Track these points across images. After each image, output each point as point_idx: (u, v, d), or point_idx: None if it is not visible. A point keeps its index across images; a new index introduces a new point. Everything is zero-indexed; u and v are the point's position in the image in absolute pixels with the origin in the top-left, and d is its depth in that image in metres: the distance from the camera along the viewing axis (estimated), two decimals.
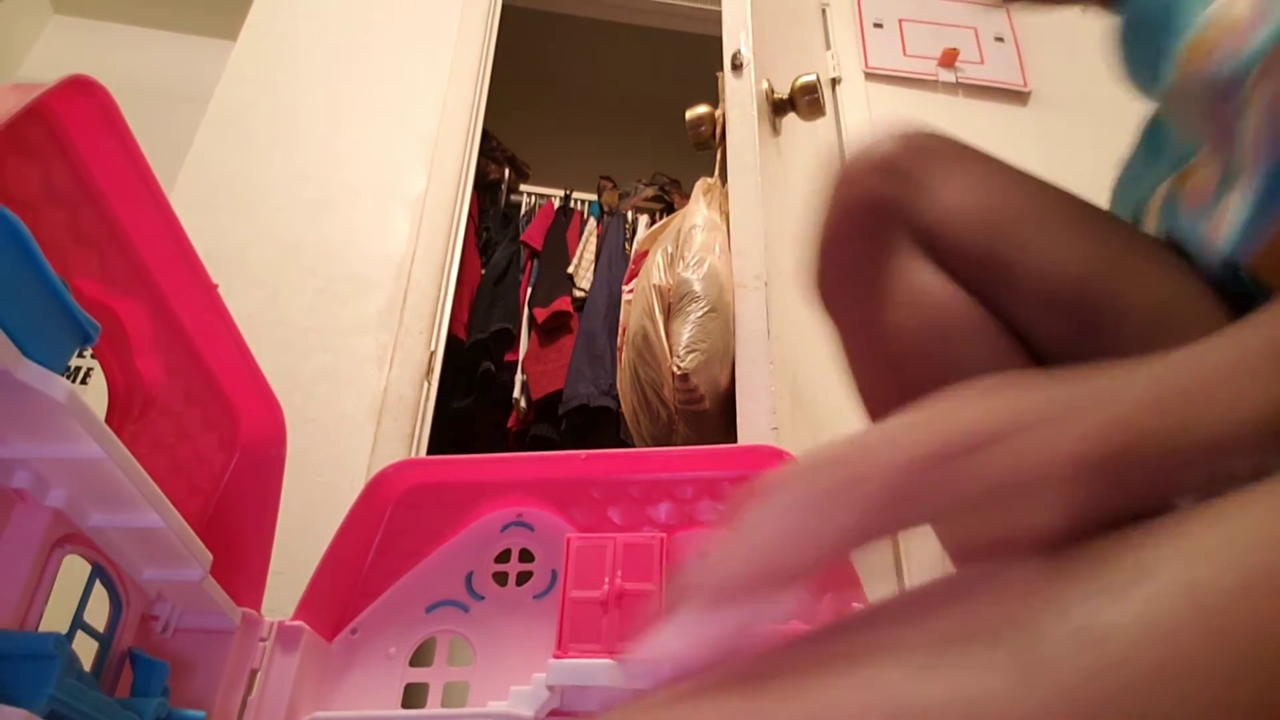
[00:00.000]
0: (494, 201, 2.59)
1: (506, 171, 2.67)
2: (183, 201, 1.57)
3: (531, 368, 2.17)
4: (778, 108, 1.44)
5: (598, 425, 2.02)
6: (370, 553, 0.68)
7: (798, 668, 0.21)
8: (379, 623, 0.66)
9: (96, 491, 0.45)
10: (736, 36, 1.38)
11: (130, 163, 0.48)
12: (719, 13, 1.43)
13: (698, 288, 1.49)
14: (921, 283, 0.52)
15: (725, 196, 1.60)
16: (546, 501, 0.70)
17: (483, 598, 0.67)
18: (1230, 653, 0.15)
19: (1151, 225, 0.54)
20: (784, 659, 0.22)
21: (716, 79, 1.58)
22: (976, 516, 0.24)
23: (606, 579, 0.61)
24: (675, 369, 1.46)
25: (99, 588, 0.49)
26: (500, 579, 0.68)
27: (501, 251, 2.39)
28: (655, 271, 1.62)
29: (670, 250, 1.64)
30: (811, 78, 1.41)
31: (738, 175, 1.29)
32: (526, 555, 0.69)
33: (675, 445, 1.50)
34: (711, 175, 1.76)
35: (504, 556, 0.69)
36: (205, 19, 2.74)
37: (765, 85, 1.39)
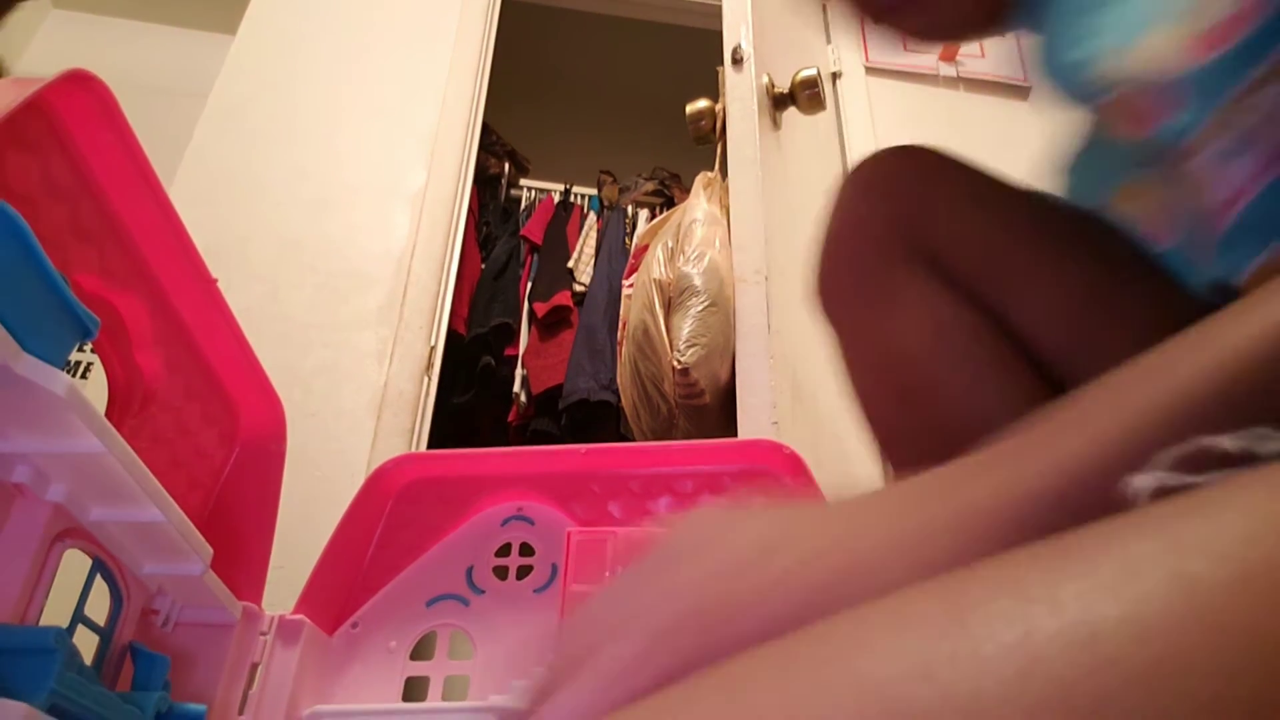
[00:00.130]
0: (494, 196, 2.59)
1: (506, 166, 2.66)
2: (182, 196, 1.56)
3: (531, 362, 2.17)
4: (778, 102, 1.44)
5: (598, 420, 2.02)
6: (370, 547, 0.69)
7: (769, 667, 0.21)
8: (379, 617, 0.66)
9: (97, 486, 0.45)
10: (737, 31, 1.37)
11: (130, 157, 0.48)
12: (719, 7, 1.43)
13: (698, 282, 1.49)
14: (926, 295, 0.53)
15: (725, 191, 1.60)
16: (547, 496, 0.70)
17: (483, 592, 0.67)
18: (1230, 649, 0.15)
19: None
20: (755, 661, 0.22)
21: (717, 73, 1.58)
22: None
23: (607, 573, 0.61)
24: (675, 363, 1.46)
25: (99, 582, 0.49)
26: (501, 573, 0.68)
27: (501, 246, 2.39)
28: (655, 266, 1.62)
29: (670, 245, 1.64)
30: (812, 72, 1.41)
31: (738, 169, 1.29)
32: (527, 549, 0.69)
33: (675, 439, 1.50)
34: (712, 170, 1.75)
35: (504, 550, 0.69)
36: (204, 13, 2.74)
37: (766, 79, 1.39)
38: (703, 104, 1.59)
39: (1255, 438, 0.20)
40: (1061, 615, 0.17)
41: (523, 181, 2.70)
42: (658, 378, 1.53)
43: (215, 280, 0.55)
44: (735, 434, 1.20)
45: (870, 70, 2.03)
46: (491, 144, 2.59)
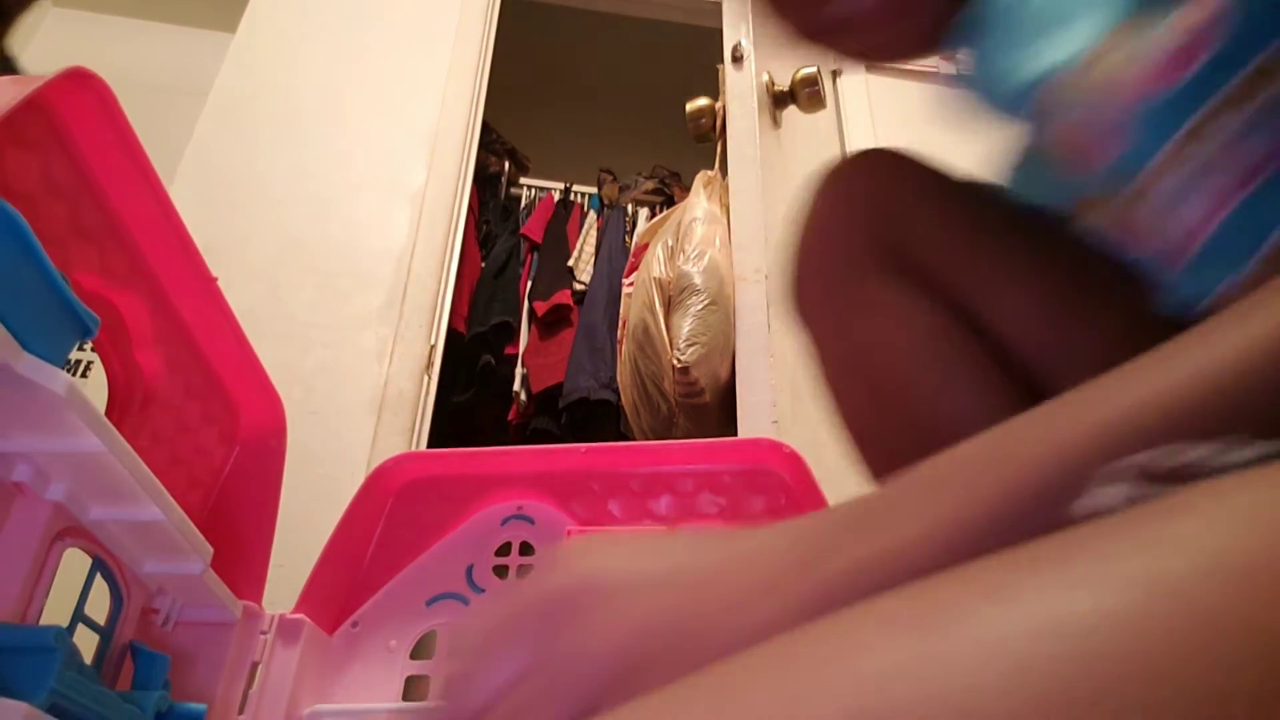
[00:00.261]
0: (494, 195, 2.59)
1: (506, 164, 2.66)
2: (182, 195, 1.56)
3: (531, 361, 2.17)
4: (778, 100, 1.44)
5: (598, 418, 2.02)
6: (371, 546, 0.69)
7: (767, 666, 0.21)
8: (380, 616, 0.66)
9: (97, 485, 0.45)
10: (737, 29, 1.37)
11: (129, 156, 0.48)
12: (719, 5, 1.43)
13: (698, 280, 1.49)
14: (898, 300, 0.53)
15: (726, 189, 1.60)
16: (547, 494, 0.70)
17: (483, 590, 0.67)
18: (1227, 641, 0.15)
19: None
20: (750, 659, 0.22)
21: (717, 71, 1.58)
22: None
23: None
24: (675, 362, 1.46)
25: (99, 581, 0.49)
26: (501, 572, 0.68)
27: (501, 245, 2.39)
28: (655, 264, 1.62)
29: (671, 243, 1.64)
30: (812, 70, 1.41)
31: (738, 168, 1.28)
32: (527, 548, 0.69)
33: (675, 438, 1.50)
34: (712, 168, 1.75)
35: (504, 549, 0.69)
36: (204, 11, 2.73)
37: (766, 78, 1.39)
38: (703, 102, 1.59)
39: (1220, 449, 0.20)
40: (1035, 615, 0.17)
41: (523, 180, 2.70)
42: (658, 376, 1.53)
43: (215, 279, 0.55)
44: (735, 433, 1.20)
45: (871, 68, 2.02)
46: (491, 142, 2.59)
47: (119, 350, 0.50)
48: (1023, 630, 0.17)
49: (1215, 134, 0.36)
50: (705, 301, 1.47)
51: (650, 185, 2.71)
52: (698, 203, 1.63)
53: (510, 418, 2.18)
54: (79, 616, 0.46)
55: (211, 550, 0.52)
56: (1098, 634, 0.16)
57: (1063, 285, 0.50)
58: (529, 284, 2.33)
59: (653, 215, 2.50)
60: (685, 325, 1.47)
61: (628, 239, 2.42)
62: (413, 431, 1.45)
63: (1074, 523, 0.20)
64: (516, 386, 2.17)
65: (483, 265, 2.33)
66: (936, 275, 0.52)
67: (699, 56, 2.07)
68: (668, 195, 2.69)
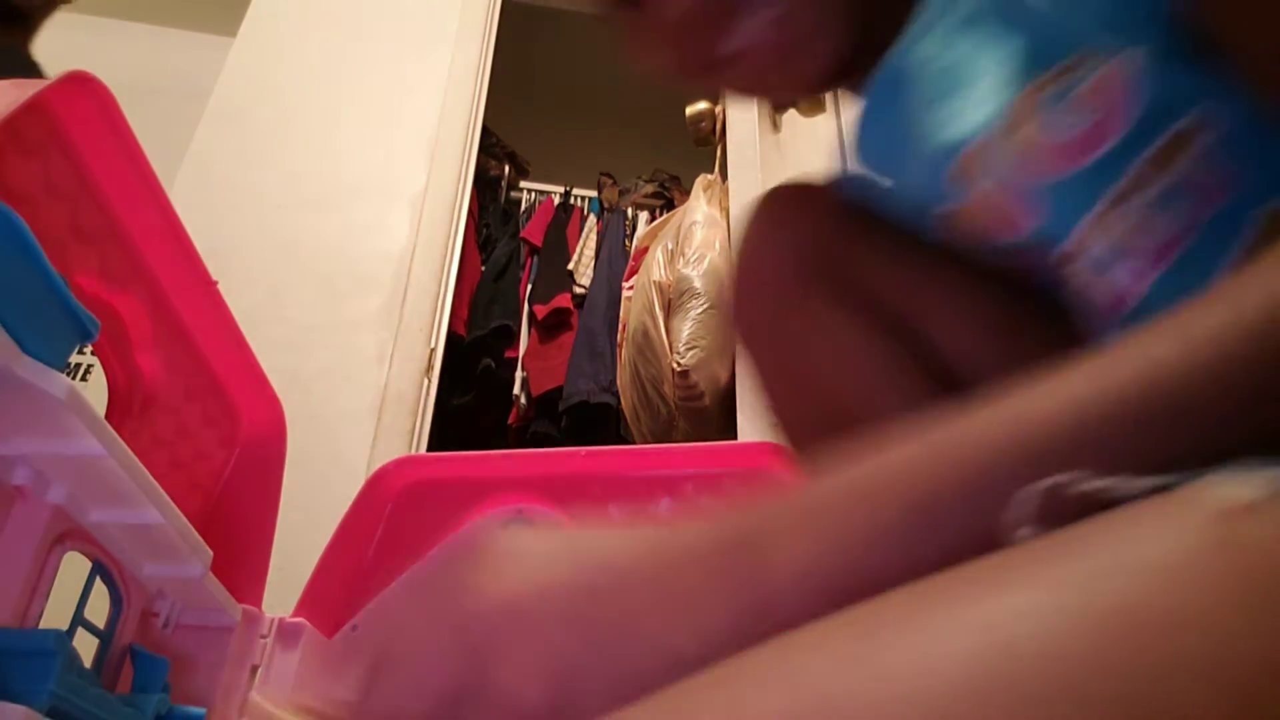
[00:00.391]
0: (494, 198, 2.59)
1: (506, 168, 2.67)
2: (182, 198, 1.57)
3: (531, 364, 2.17)
4: (778, 104, 1.44)
5: (598, 422, 2.02)
6: (371, 549, 0.68)
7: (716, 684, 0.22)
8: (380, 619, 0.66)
9: (97, 488, 0.45)
10: None
11: (130, 159, 0.48)
12: None
13: (698, 284, 1.49)
14: (839, 324, 0.54)
15: (726, 193, 1.60)
16: (547, 498, 0.70)
17: None
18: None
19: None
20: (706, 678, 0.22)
21: None
22: None
23: None
24: (675, 365, 1.46)
25: (99, 584, 0.49)
26: None
27: (501, 248, 2.39)
28: (655, 268, 1.62)
29: (670, 246, 1.64)
30: None
31: (738, 171, 1.29)
32: None
33: (675, 442, 1.50)
34: (712, 172, 1.76)
35: None
36: (204, 15, 2.74)
37: None
38: (703, 106, 1.59)
39: (1119, 481, 0.21)
40: (963, 638, 0.18)
41: (523, 183, 2.71)
42: (658, 380, 1.53)
43: (215, 282, 0.55)
44: (735, 436, 1.20)
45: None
46: (491, 146, 2.59)
47: (119, 353, 0.50)
48: (970, 642, 0.18)
49: (1127, 213, 0.36)
50: (705, 305, 1.48)
51: (650, 189, 2.71)
52: (698, 206, 1.63)
53: (510, 421, 2.18)
54: (79, 620, 0.46)
55: (211, 553, 0.52)
56: (1049, 638, 0.17)
57: (1005, 305, 0.51)
58: (529, 287, 2.33)
59: (653, 219, 2.50)
60: (685, 329, 1.47)
61: (628, 242, 2.42)
62: (412, 434, 1.45)
63: (993, 541, 0.21)
64: (516, 390, 2.17)
65: (483, 269, 2.33)
66: (880, 297, 0.53)
67: None
68: (668, 199, 2.69)
